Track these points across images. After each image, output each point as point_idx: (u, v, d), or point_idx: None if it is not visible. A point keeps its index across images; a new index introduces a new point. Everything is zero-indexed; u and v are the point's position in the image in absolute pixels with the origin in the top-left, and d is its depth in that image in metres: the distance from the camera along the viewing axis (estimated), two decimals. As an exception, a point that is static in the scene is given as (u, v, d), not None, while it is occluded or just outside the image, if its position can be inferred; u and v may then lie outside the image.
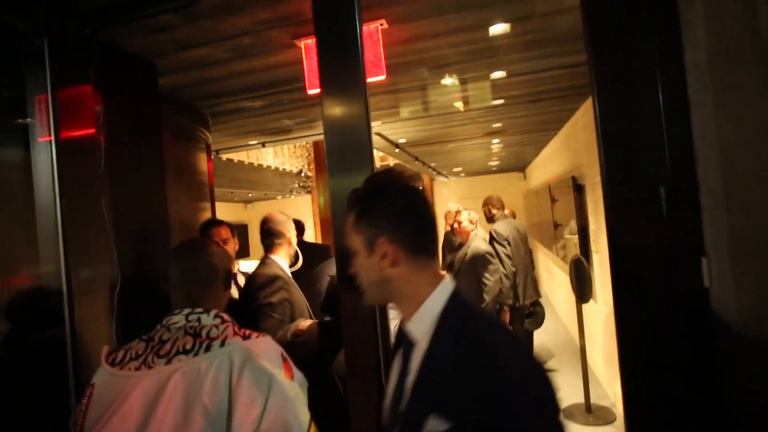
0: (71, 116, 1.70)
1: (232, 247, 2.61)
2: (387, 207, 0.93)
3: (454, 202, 10.86)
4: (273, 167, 9.61)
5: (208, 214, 3.37)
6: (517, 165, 9.76)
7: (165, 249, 2.20)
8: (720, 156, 1.13)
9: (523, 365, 0.84)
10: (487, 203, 4.40)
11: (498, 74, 3.01)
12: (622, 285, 1.38)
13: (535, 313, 4.58)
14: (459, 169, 9.51)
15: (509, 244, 4.04)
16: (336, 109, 1.53)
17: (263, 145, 4.69)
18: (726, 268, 1.21)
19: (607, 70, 1.41)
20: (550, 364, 5.25)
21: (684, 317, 1.33)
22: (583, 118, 4.40)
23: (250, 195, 11.24)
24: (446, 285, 0.93)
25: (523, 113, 4.40)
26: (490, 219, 4.33)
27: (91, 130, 1.70)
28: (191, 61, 2.41)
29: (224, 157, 7.65)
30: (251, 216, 12.22)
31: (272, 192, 11.34)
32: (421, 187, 1.03)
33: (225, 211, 11.85)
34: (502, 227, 4.18)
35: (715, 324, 1.29)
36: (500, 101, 3.73)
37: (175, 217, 2.62)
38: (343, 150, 1.52)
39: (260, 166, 9.08)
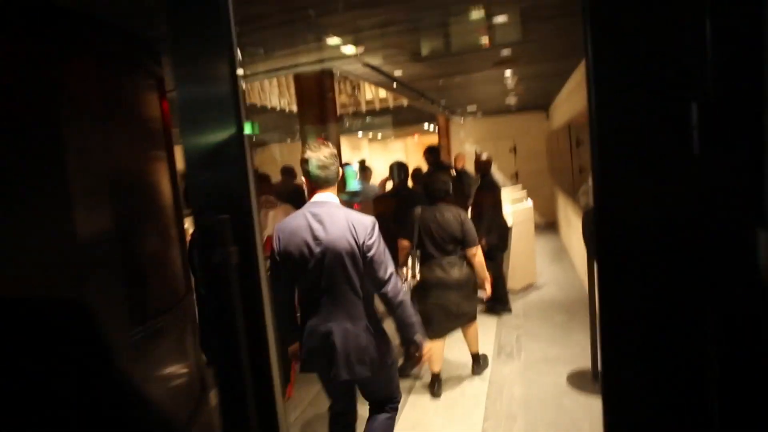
0: None
1: None
2: None
3: (471, 144, 10.11)
4: (279, 108, 9.08)
5: (162, 165, 2.88)
6: (540, 103, 8.83)
7: (64, 204, 1.76)
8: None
9: None
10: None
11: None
12: (611, 260, 0.88)
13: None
14: (473, 108, 8.72)
15: None
16: (181, 24, 0.99)
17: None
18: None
19: None
20: (558, 321, 4.81)
21: (724, 313, 0.83)
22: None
23: (253, 139, 10.80)
24: None
25: (536, 35, 3.68)
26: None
27: None
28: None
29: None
30: (261, 161, 11.84)
31: (280, 136, 10.91)
32: None
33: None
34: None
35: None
36: (503, 17, 3.04)
37: (108, 166, 2.16)
38: (197, 97, 1.01)
39: (263, 107, 8.60)
